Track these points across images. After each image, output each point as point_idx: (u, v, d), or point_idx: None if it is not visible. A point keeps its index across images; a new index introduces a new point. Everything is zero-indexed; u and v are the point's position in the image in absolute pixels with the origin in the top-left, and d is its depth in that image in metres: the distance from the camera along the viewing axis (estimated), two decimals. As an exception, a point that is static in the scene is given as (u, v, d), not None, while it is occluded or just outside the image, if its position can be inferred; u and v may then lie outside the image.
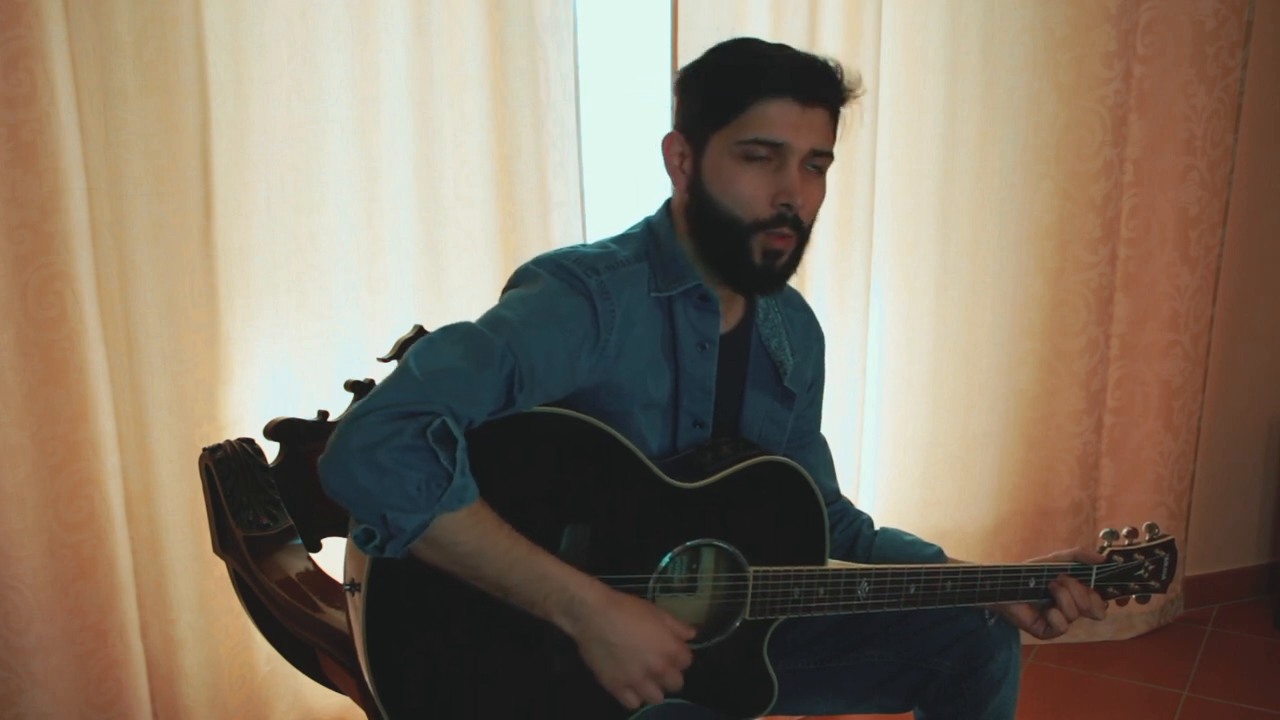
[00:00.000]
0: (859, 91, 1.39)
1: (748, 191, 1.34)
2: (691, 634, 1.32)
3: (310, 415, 1.59)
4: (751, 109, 1.33)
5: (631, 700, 1.28)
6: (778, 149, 1.33)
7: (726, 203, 1.35)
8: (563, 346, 1.30)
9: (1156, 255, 2.68)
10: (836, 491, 1.68)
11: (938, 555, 1.58)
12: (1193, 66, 2.56)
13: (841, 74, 1.37)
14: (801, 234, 1.38)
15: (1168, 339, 2.72)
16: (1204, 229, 2.67)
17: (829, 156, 1.38)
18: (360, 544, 1.21)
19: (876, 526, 1.66)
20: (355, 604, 1.29)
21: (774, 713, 1.50)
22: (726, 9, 2.23)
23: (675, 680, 1.29)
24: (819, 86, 1.35)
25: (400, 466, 1.17)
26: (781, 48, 1.38)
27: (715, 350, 1.44)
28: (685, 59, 2.18)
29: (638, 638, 1.26)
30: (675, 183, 1.42)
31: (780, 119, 1.33)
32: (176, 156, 1.88)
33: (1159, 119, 2.59)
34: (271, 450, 1.57)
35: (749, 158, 1.34)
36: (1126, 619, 2.86)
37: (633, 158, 2.39)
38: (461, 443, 1.20)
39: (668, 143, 1.42)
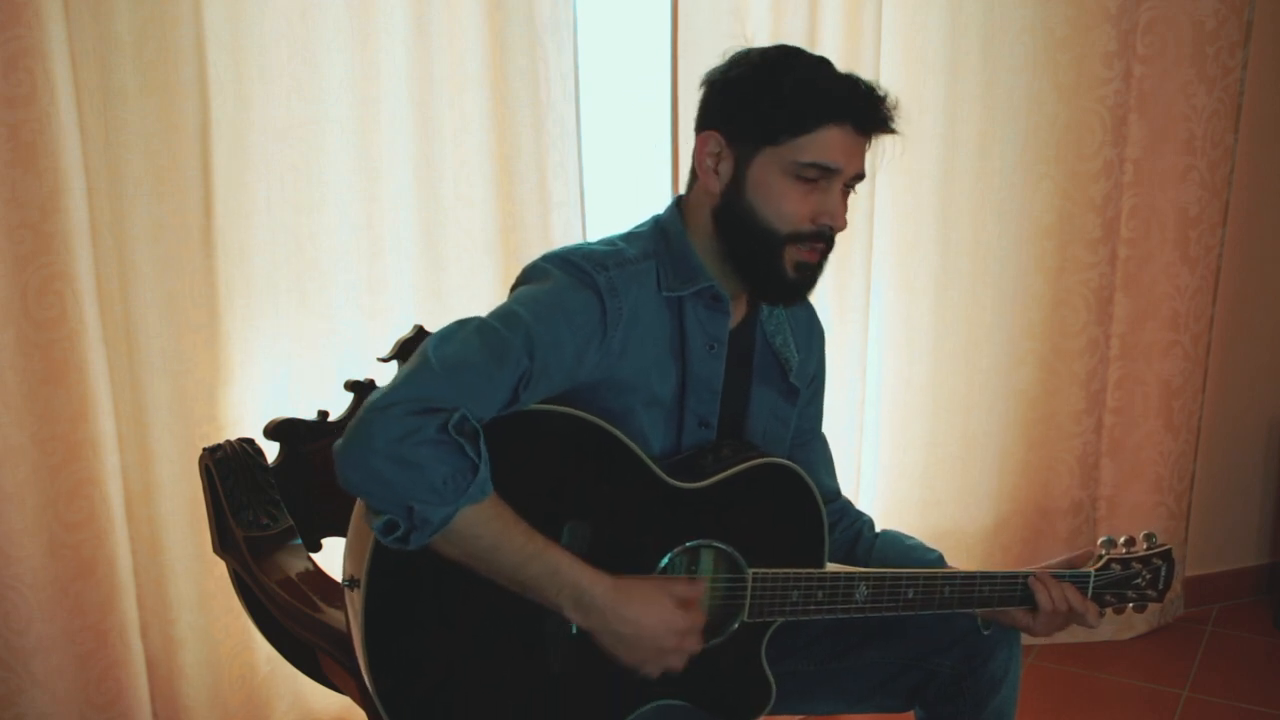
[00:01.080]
0: (900, 117, 1.40)
1: (791, 208, 1.36)
2: (701, 591, 1.35)
3: (310, 415, 1.59)
4: (814, 133, 1.34)
5: (652, 672, 1.32)
6: (830, 173, 1.35)
7: (767, 215, 1.37)
8: (570, 342, 1.31)
9: (1156, 255, 2.68)
10: (837, 491, 1.68)
11: (938, 561, 1.58)
12: (1193, 66, 2.56)
13: (890, 102, 1.38)
14: (830, 244, 1.41)
15: (1168, 339, 2.71)
16: (1204, 229, 2.67)
17: (863, 178, 1.41)
18: (382, 535, 1.21)
19: (878, 528, 1.66)
20: (354, 600, 1.29)
21: (774, 713, 1.50)
22: (726, 9, 2.23)
23: (694, 644, 1.33)
24: (879, 120, 1.37)
25: (426, 460, 1.18)
26: (827, 62, 1.39)
27: (724, 351, 1.44)
28: (685, 59, 2.18)
29: (645, 625, 1.28)
30: (706, 183, 1.41)
31: (838, 146, 1.35)
32: (176, 156, 1.88)
33: (1159, 119, 2.59)
34: (271, 450, 1.57)
35: (800, 178, 1.35)
36: (1126, 619, 2.86)
37: (633, 158, 2.39)
38: (481, 434, 1.21)
39: (702, 141, 1.40)
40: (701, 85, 1.43)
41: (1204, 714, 2.52)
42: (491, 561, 1.24)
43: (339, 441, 1.21)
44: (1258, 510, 3.08)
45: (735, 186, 1.38)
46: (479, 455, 1.20)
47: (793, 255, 1.38)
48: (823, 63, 1.39)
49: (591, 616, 1.27)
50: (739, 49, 1.41)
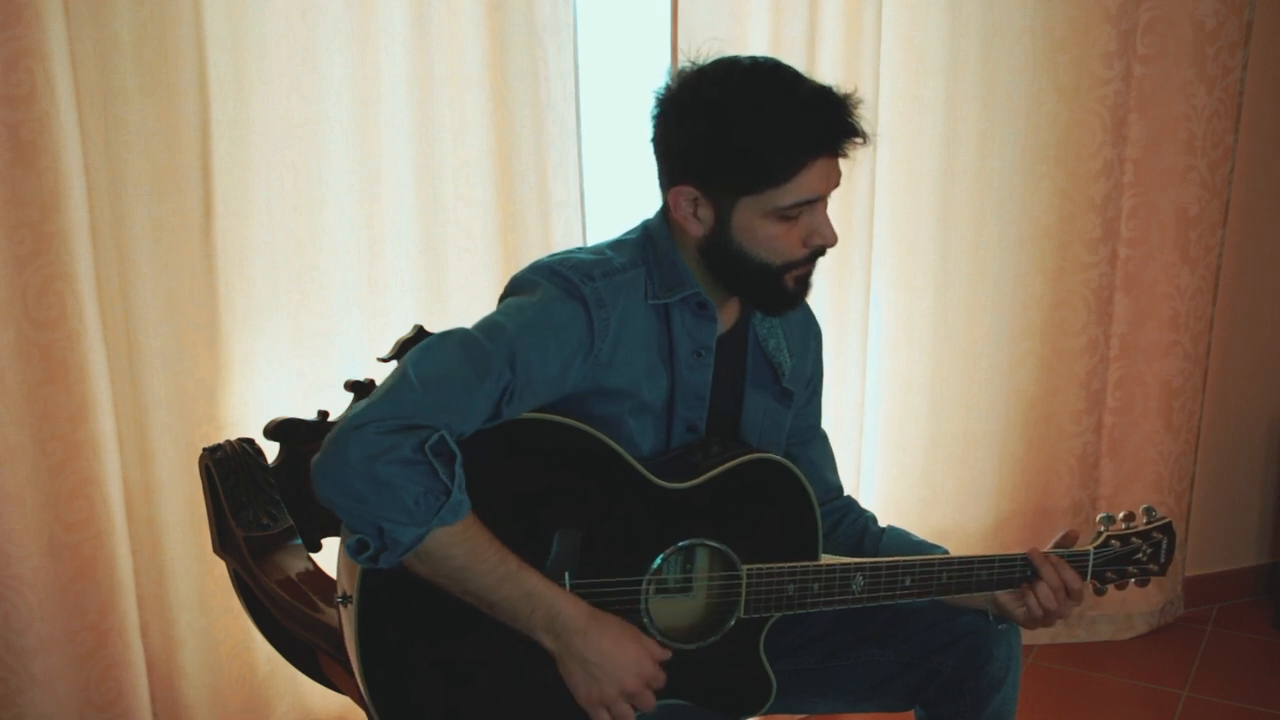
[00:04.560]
0: (867, 115, 1.37)
1: (784, 243, 1.36)
2: (667, 655, 1.34)
3: (310, 415, 1.59)
4: (794, 179, 1.31)
5: (603, 718, 1.31)
6: (812, 203, 1.35)
7: (759, 254, 1.36)
8: (557, 355, 1.31)
9: (1156, 255, 2.67)
10: (840, 487, 1.68)
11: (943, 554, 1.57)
12: (1193, 66, 2.56)
13: (855, 108, 1.34)
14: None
15: (1168, 339, 2.71)
16: (1204, 229, 2.67)
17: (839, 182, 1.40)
18: (353, 554, 1.21)
19: (881, 524, 1.66)
20: (348, 616, 1.29)
21: (774, 712, 1.51)
22: (726, 9, 2.23)
23: (648, 701, 1.32)
24: (852, 136, 1.34)
25: (399, 479, 1.17)
26: (791, 84, 1.32)
27: (711, 358, 1.44)
28: (685, 59, 2.15)
29: (615, 657, 1.28)
30: (689, 229, 1.38)
31: (818, 177, 1.33)
32: (176, 156, 1.88)
33: (1159, 119, 2.59)
34: (271, 450, 1.58)
35: (785, 217, 1.34)
36: (1126, 619, 2.86)
37: (633, 158, 2.38)
38: (459, 457, 1.21)
39: (675, 196, 1.37)
40: (654, 123, 1.38)
41: (1204, 714, 2.52)
42: (463, 582, 1.24)
43: (315, 456, 1.21)
44: (1258, 510, 3.07)
45: (720, 231, 1.36)
46: (452, 479, 1.20)
47: (791, 277, 1.39)
48: (786, 92, 1.32)
49: (561, 641, 1.27)
50: (684, 69, 1.37)
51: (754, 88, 1.32)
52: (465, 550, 1.22)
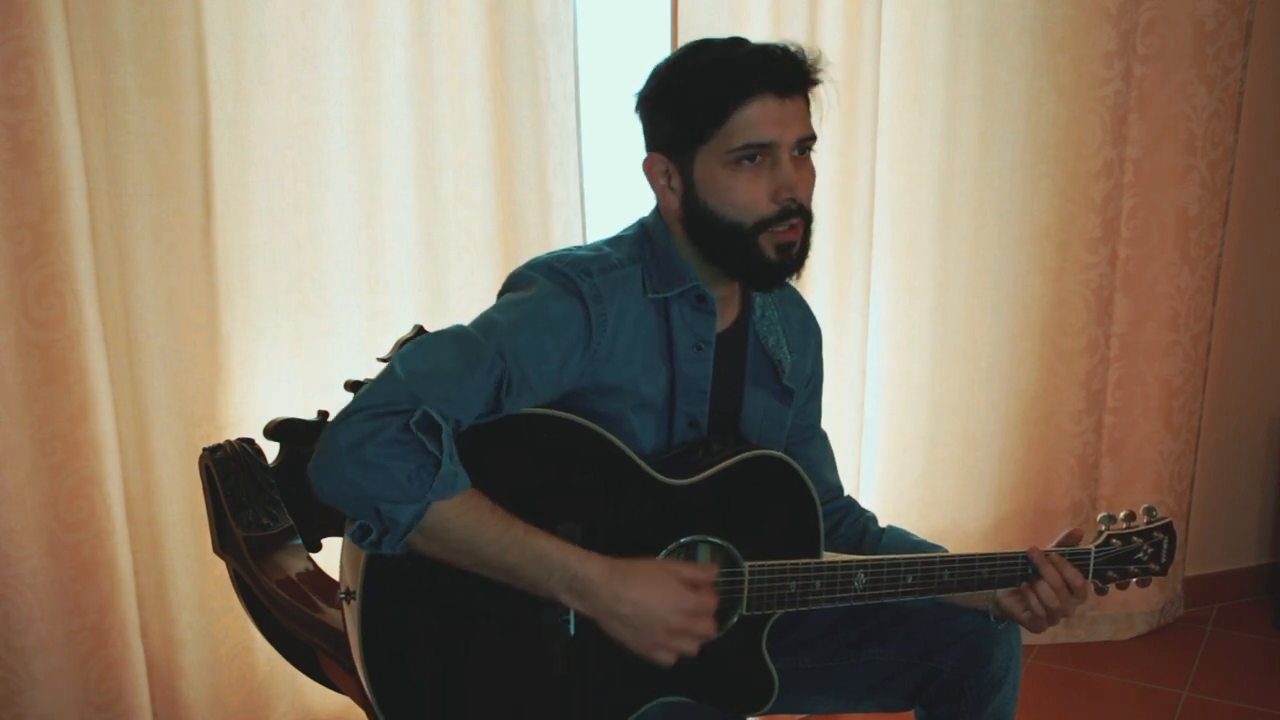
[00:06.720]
0: (826, 67, 1.38)
1: (746, 196, 1.34)
2: (711, 575, 1.32)
3: (310, 415, 1.60)
4: (734, 116, 1.32)
5: (666, 659, 1.28)
6: (767, 148, 1.33)
7: (727, 211, 1.35)
8: (554, 350, 1.30)
9: (1156, 255, 2.68)
10: (840, 487, 1.68)
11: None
12: (1193, 66, 2.56)
13: (806, 56, 1.36)
14: (807, 217, 1.38)
15: (1168, 339, 2.72)
16: (1204, 229, 2.67)
17: (814, 139, 1.39)
18: (357, 541, 1.21)
19: (882, 524, 1.66)
20: (351, 612, 1.29)
21: (775, 711, 1.50)
22: (726, 9, 2.23)
23: (706, 627, 1.29)
24: (793, 77, 1.34)
25: (388, 459, 1.17)
26: (737, 42, 1.37)
27: (710, 351, 1.44)
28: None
29: (649, 603, 1.26)
30: (666, 202, 1.41)
31: (764, 118, 1.32)
32: (176, 156, 1.88)
33: (1159, 119, 2.59)
34: (271, 450, 1.58)
35: (741, 163, 1.34)
36: (1126, 619, 2.86)
37: (633, 158, 2.38)
38: (446, 429, 1.20)
39: (649, 165, 1.41)
40: (635, 109, 1.43)
41: (1204, 714, 2.52)
42: (472, 554, 1.23)
43: (311, 460, 1.21)
44: (1258, 510, 3.07)
45: (690, 195, 1.37)
46: (441, 449, 1.19)
47: (770, 240, 1.36)
48: (729, 44, 1.36)
49: (588, 600, 1.25)
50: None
51: (703, 47, 1.38)
52: (467, 522, 1.21)
